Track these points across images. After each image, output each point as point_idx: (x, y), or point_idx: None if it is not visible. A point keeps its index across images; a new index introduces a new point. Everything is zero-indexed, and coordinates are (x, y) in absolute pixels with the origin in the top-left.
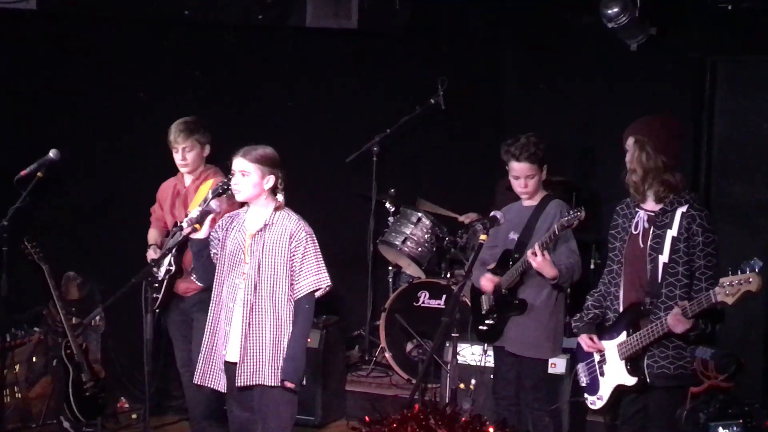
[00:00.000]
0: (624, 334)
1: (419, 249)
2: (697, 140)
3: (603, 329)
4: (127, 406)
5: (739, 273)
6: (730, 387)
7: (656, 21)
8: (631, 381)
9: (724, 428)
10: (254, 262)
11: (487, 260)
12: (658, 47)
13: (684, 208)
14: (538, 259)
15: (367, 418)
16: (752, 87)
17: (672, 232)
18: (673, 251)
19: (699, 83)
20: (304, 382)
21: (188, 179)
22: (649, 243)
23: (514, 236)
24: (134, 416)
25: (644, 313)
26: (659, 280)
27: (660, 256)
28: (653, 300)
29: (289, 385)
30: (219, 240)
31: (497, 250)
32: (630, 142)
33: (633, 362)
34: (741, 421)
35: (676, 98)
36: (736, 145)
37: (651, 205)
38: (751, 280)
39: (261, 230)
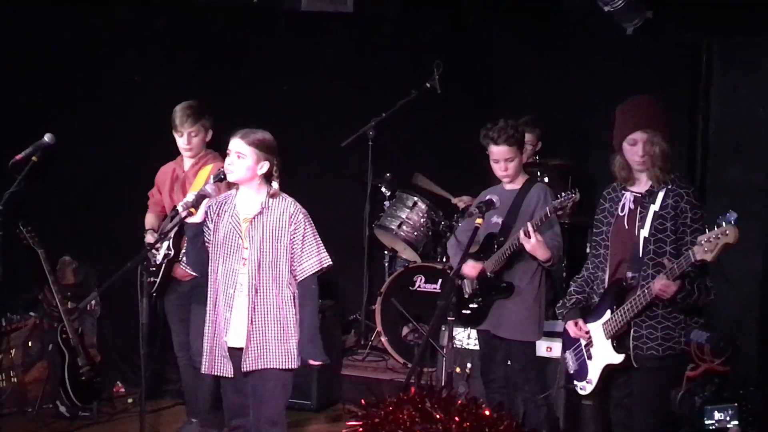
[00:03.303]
0: (608, 312)
1: (415, 233)
2: (693, 123)
3: (588, 312)
4: (123, 390)
5: (716, 228)
6: (726, 371)
7: (652, 4)
8: (618, 359)
9: (719, 412)
10: (254, 247)
11: (462, 242)
12: (654, 30)
13: (669, 186)
14: (531, 241)
15: (363, 402)
16: (748, 69)
17: (654, 207)
18: (654, 225)
19: (695, 66)
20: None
21: (188, 164)
22: (636, 223)
23: (498, 220)
24: (130, 400)
25: (627, 288)
26: (641, 255)
27: (642, 230)
28: (635, 275)
29: (314, 363)
30: (209, 228)
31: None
32: (640, 137)
33: (619, 340)
34: (736, 404)
35: (672, 81)
36: (731, 128)
37: (639, 186)
38: (728, 232)
39: (259, 214)
